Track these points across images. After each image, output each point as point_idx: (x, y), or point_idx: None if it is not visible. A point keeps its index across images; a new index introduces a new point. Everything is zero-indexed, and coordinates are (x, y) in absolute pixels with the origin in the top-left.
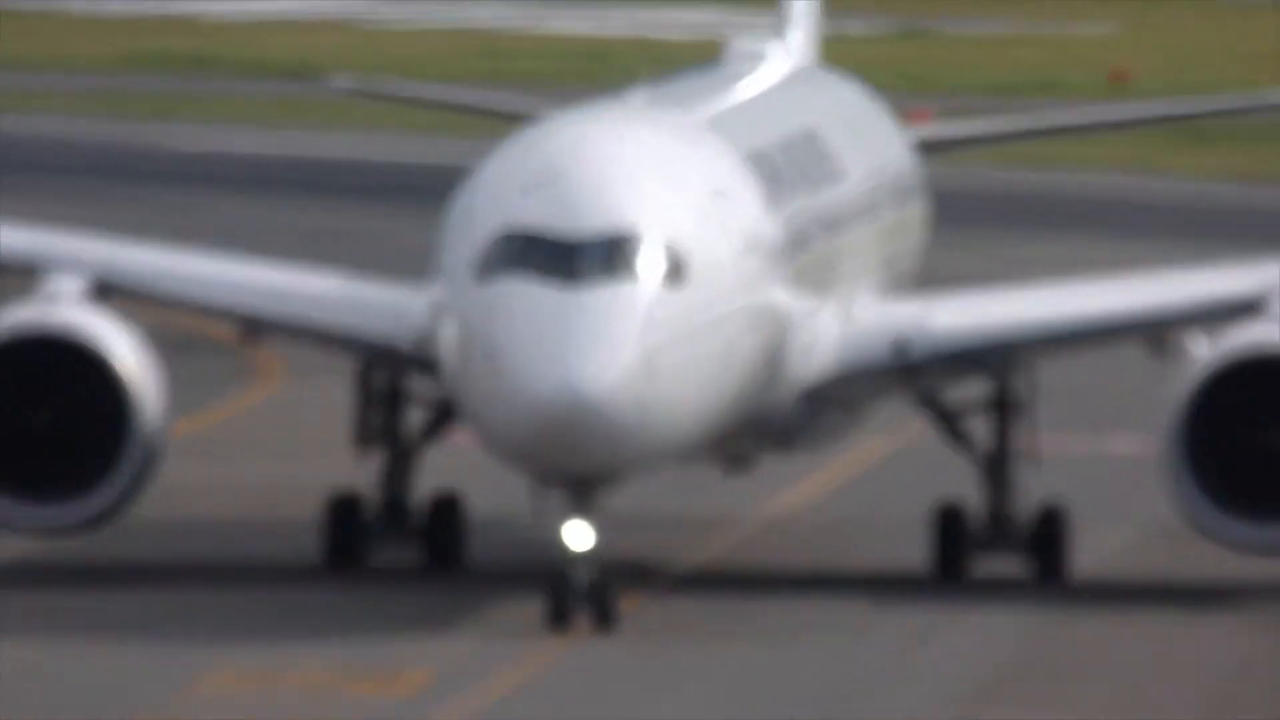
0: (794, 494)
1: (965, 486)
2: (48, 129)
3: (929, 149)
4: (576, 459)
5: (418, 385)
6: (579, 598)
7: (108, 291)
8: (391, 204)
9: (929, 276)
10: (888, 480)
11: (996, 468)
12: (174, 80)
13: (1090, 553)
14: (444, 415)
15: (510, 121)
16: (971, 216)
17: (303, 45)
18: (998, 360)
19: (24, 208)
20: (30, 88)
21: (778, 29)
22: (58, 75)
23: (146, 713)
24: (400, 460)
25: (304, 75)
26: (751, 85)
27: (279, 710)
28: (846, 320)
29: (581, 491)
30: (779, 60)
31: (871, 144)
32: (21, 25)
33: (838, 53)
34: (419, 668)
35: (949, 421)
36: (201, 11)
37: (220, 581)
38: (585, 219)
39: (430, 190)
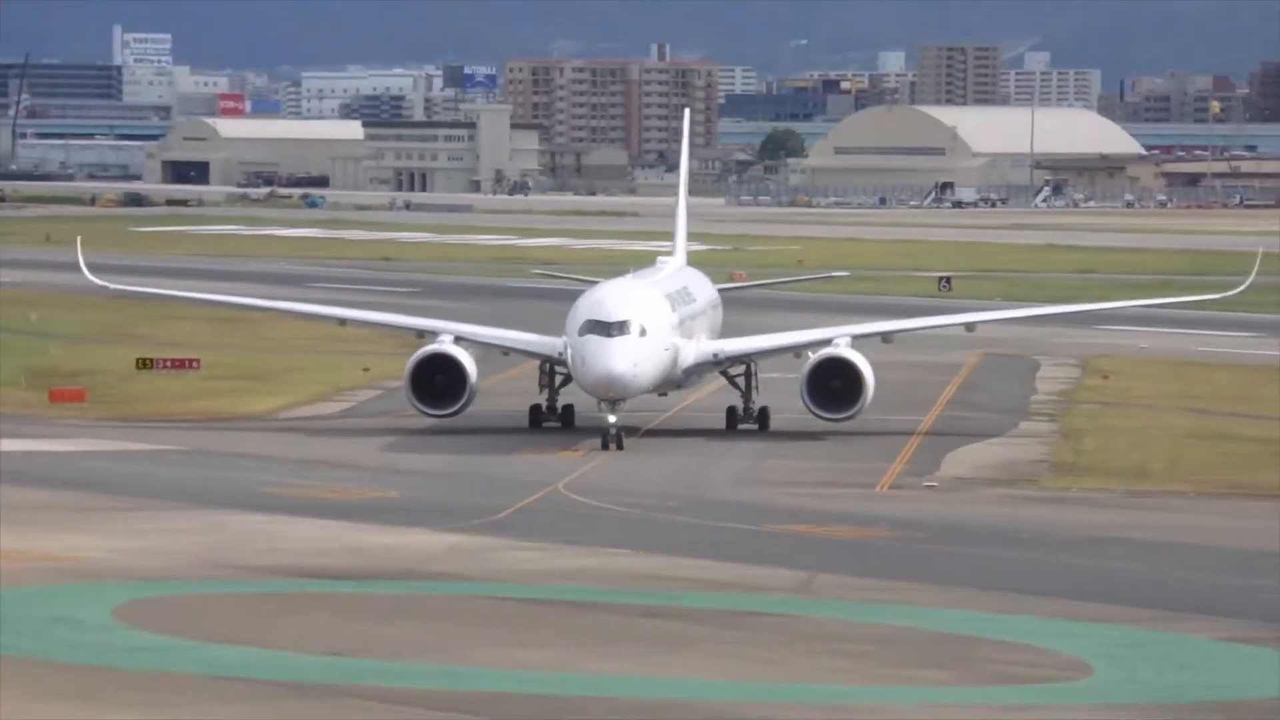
0: (683, 403)
1: (735, 399)
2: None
3: (726, 292)
4: (611, 394)
5: (559, 370)
6: (611, 437)
7: (460, 340)
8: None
9: (742, 326)
10: (712, 400)
11: (746, 395)
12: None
13: (780, 422)
14: (567, 379)
15: (585, 283)
16: (761, 305)
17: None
18: (747, 360)
19: (438, 307)
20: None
21: (673, 250)
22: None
23: (502, 466)
24: (553, 393)
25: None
26: (665, 273)
27: (549, 460)
28: (697, 348)
29: (612, 403)
30: (673, 264)
31: (704, 291)
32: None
33: (708, 255)
34: (577, 448)
35: (731, 380)
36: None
37: (495, 433)
38: (613, 316)
39: (557, 303)
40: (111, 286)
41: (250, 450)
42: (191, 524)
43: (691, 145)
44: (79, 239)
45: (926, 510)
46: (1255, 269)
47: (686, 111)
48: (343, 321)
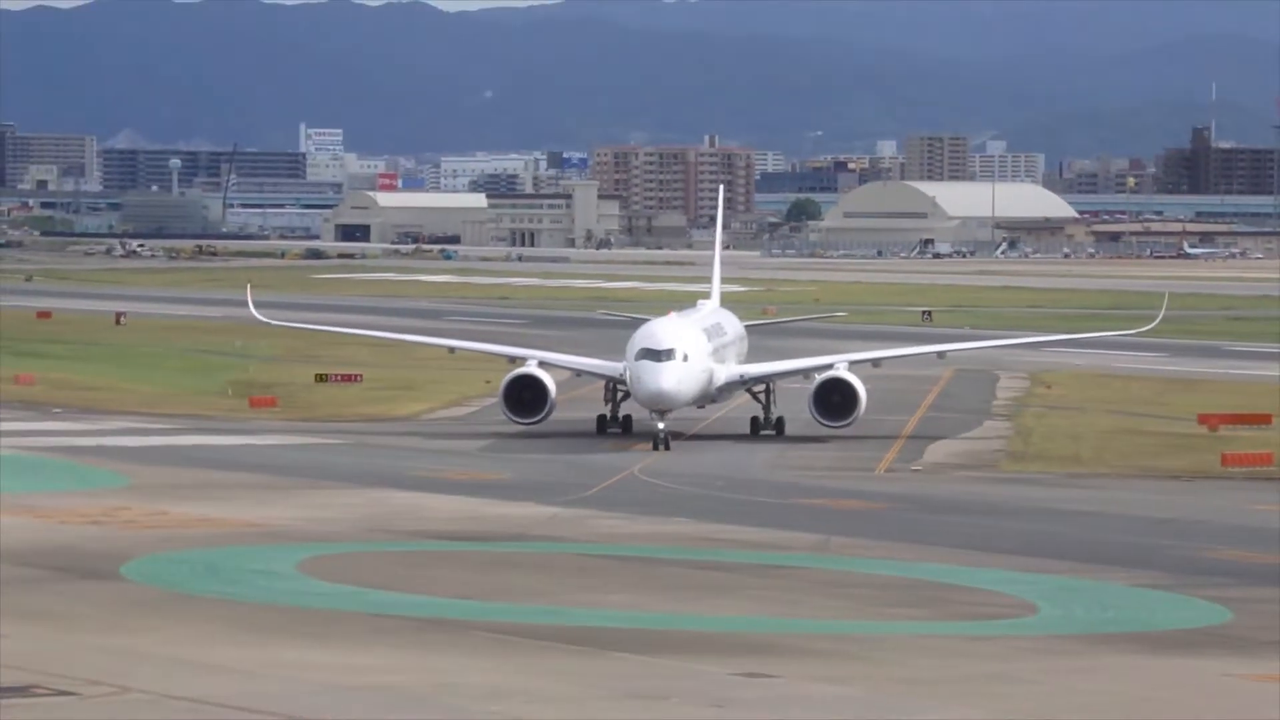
0: (718, 413)
1: (757, 411)
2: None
3: (757, 325)
4: (660, 406)
5: (620, 387)
6: (661, 440)
7: (543, 364)
8: (618, 334)
9: (770, 348)
10: (740, 410)
11: (766, 408)
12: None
13: (791, 428)
14: (627, 394)
15: (641, 319)
16: (784, 334)
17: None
18: (766, 380)
19: (539, 335)
20: (547, 305)
21: (710, 293)
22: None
23: (588, 457)
24: (616, 406)
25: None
26: (703, 311)
27: (620, 450)
28: (728, 371)
29: (661, 414)
30: (710, 304)
31: (734, 326)
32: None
33: (747, 295)
34: (638, 446)
35: (754, 395)
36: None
37: (570, 436)
38: (662, 345)
39: (626, 330)
40: (272, 322)
41: (400, 444)
42: (357, 499)
43: (733, 211)
44: (249, 285)
45: (914, 488)
46: (1164, 306)
47: (721, 188)
48: (452, 350)
